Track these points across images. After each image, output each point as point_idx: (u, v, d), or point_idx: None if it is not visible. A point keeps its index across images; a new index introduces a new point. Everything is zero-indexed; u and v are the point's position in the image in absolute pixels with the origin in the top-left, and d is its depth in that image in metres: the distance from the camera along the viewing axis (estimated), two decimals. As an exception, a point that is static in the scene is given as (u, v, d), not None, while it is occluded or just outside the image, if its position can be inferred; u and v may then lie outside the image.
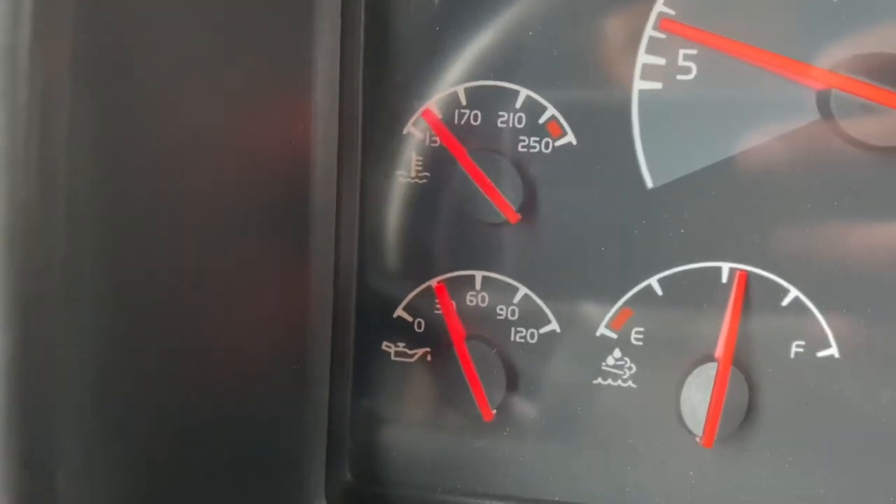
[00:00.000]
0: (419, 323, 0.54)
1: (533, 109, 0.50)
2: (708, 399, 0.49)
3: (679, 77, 0.49)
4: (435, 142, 0.52)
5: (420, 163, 0.52)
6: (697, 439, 0.50)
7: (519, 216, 0.50)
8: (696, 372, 0.50)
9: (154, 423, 0.34)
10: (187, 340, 0.37)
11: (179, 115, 0.36)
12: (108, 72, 0.29)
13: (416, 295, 0.54)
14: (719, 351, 0.50)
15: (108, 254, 0.30)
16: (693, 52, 0.48)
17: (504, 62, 0.50)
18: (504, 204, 0.50)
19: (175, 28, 0.34)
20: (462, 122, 0.51)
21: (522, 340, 0.53)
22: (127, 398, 0.32)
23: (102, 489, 0.30)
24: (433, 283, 0.53)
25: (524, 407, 0.53)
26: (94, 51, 0.29)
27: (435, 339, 0.54)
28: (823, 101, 0.46)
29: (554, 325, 0.52)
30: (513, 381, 0.53)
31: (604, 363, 0.52)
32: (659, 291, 0.51)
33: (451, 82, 0.51)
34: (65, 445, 0.28)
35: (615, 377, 0.52)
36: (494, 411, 0.53)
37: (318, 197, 0.49)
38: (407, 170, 0.52)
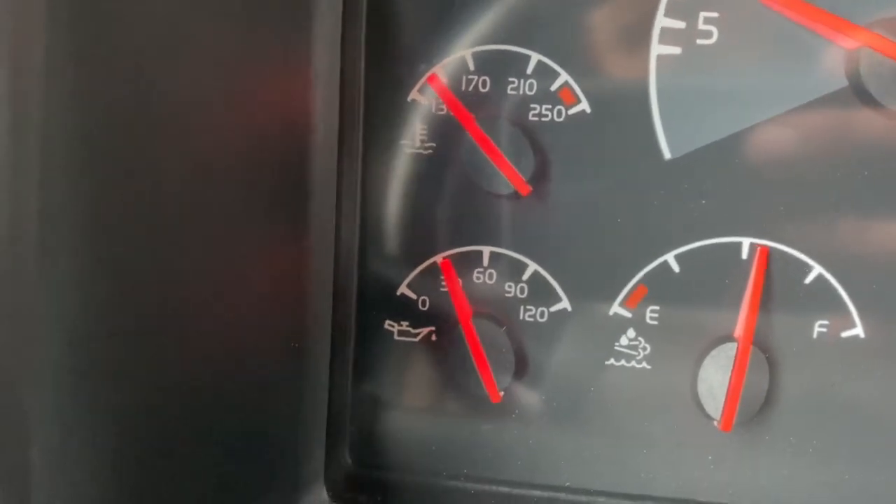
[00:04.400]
0: (423, 301, 0.51)
1: (545, 75, 0.48)
2: (727, 381, 0.47)
3: (699, 41, 0.46)
4: (441, 109, 0.49)
5: (425, 132, 0.50)
6: (715, 423, 0.48)
7: (530, 188, 0.48)
8: (714, 352, 0.48)
9: (142, 399, 0.32)
10: (176, 314, 0.34)
11: (171, 76, 0.33)
12: (90, 15, 0.27)
13: (421, 272, 0.51)
14: (739, 330, 0.48)
15: (88, 212, 0.27)
16: (714, 14, 0.46)
17: (514, 25, 0.48)
18: (514, 174, 0.48)
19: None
20: (470, 89, 0.49)
21: (532, 319, 0.50)
22: (112, 372, 0.30)
23: (81, 468, 0.28)
24: (438, 259, 0.51)
25: (533, 388, 0.51)
26: (81, 9, 0.26)
27: (440, 317, 0.51)
28: (853, 64, 0.44)
29: (565, 304, 0.50)
30: (522, 362, 0.51)
31: (617, 343, 0.50)
32: (676, 268, 0.48)
33: (458, 46, 0.49)
34: (40, 419, 0.25)
35: (629, 358, 0.50)
36: (502, 393, 0.50)
37: (318, 167, 0.47)
38: (411, 139, 0.50)
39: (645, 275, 0.49)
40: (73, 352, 0.27)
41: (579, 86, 0.48)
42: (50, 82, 0.24)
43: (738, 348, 0.47)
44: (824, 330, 0.48)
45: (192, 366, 0.36)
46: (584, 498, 0.50)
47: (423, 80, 0.49)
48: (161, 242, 0.32)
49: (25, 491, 0.25)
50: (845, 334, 0.47)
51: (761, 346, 0.48)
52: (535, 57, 0.48)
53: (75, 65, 0.26)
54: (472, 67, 0.49)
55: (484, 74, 0.49)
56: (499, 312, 0.51)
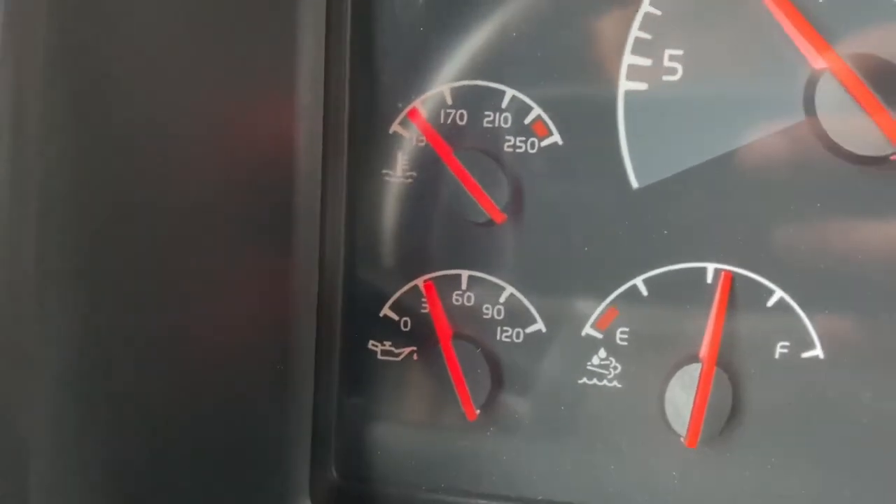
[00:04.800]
0: (405, 322, 0.54)
1: (519, 109, 0.50)
2: (692, 399, 0.49)
3: (665, 77, 0.49)
4: (421, 141, 0.52)
5: (406, 162, 0.52)
6: (682, 439, 0.50)
7: (504, 216, 0.51)
8: (680, 372, 0.50)
9: (131, 419, 0.34)
10: (165, 338, 0.37)
11: (158, 110, 0.35)
12: (83, 66, 0.29)
13: (403, 294, 0.54)
14: (704, 351, 0.50)
15: (82, 252, 0.30)
16: (679, 52, 0.48)
17: (490, 62, 0.50)
18: (489, 204, 0.50)
19: (155, 23, 0.34)
20: (448, 122, 0.51)
21: (508, 340, 0.53)
22: (104, 400, 0.32)
23: (77, 491, 0.30)
24: (420, 281, 0.53)
25: (510, 406, 0.53)
26: (69, 44, 0.28)
27: (421, 338, 0.54)
28: (810, 91, 0.46)
29: (540, 325, 0.52)
30: (498, 381, 0.53)
31: (589, 363, 0.52)
32: (644, 291, 0.51)
33: (437, 82, 0.51)
34: (37, 445, 0.28)
35: (600, 377, 0.52)
36: (478, 411, 0.53)
37: (302, 195, 0.49)
38: (393, 169, 0.52)
39: (615, 298, 0.51)
40: (69, 375, 0.29)
41: (551, 119, 0.50)
42: (46, 134, 0.26)
43: (702, 368, 0.49)
44: (785, 351, 0.50)
45: (179, 385, 0.38)
46: (557, 510, 0.53)
47: (404, 113, 0.52)
48: (149, 269, 0.35)
49: (24, 500, 0.27)
50: (805, 355, 0.49)
51: (725, 366, 0.50)
52: (510, 92, 0.50)
53: (71, 115, 0.28)
54: (450, 102, 0.51)
55: (461, 108, 0.51)
56: (477, 333, 0.53)
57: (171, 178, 0.37)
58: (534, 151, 0.51)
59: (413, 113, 0.52)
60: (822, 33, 0.46)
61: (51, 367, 0.28)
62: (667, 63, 0.49)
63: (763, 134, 0.48)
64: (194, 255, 0.39)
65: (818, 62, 0.46)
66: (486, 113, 0.51)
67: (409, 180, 0.52)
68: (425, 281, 0.53)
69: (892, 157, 0.46)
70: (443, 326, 0.52)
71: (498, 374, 0.53)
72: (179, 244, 0.38)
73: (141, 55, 0.34)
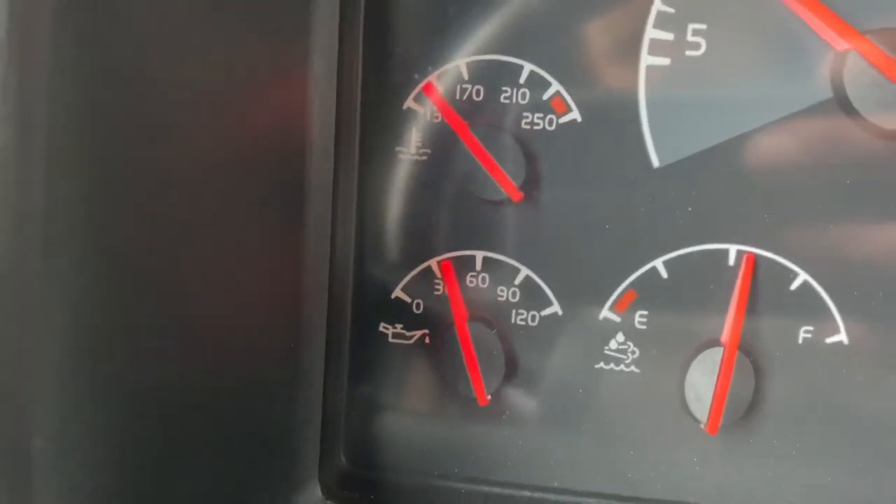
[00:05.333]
0: (418, 304, 0.53)
1: (537, 85, 0.49)
2: (713, 385, 0.48)
3: (688, 53, 0.47)
4: (436, 117, 0.50)
5: (420, 139, 0.51)
6: (702, 426, 0.49)
7: (521, 194, 0.49)
8: (701, 357, 0.49)
9: (139, 396, 0.33)
10: (175, 311, 0.35)
11: (170, 77, 0.34)
12: (92, 21, 0.28)
13: (415, 275, 0.52)
14: (725, 335, 0.49)
15: (90, 212, 0.29)
16: (703, 27, 0.47)
17: (508, 36, 0.49)
18: (506, 181, 0.49)
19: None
20: (464, 98, 0.50)
21: (523, 323, 0.52)
22: (110, 368, 0.31)
23: (80, 460, 0.29)
24: (433, 262, 0.52)
25: (524, 391, 0.52)
26: (78, 6, 0.27)
27: (434, 320, 0.52)
28: (838, 71, 0.45)
29: (556, 308, 0.51)
30: (512, 365, 0.52)
31: (606, 347, 0.51)
32: (664, 274, 0.49)
33: (453, 56, 0.50)
34: (41, 411, 0.26)
35: (618, 361, 0.51)
36: (490, 396, 0.51)
37: (315, 172, 0.48)
38: (407, 146, 0.51)
39: (634, 280, 0.50)
40: (75, 345, 0.28)
41: (570, 95, 0.49)
42: (53, 88, 0.25)
43: (724, 353, 0.48)
44: (809, 336, 0.49)
45: (189, 362, 0.37)
46: (572, 499, 0.51)
47: (419, 88, 0.50)
48: (161, 243, 0.33)
49: (26, 480, 0.26)
50: (829, 340, 0.48)
51: (747, 351, 0.49)
52: (528, 67, 0.49)
53: (79, 70, 0.27)
54: (466, 77, 0.50)
55: (478, 84, 0.50)
56: (491, 316, 0.52)
57: (188, 156, 0.36)
58: (552, 128, 0.49)
59: (428, 88, 0.50)
60: (842, 15, 0.44)
61: (53, 332, 0.27)
62: (690, 38, 0.47)
63: (789, 111, 0.47)
64: (206, 233, 0.37)
65: (841, 44, 0.44)
66: (504, 88, 0.49)
67: (423, 157, 0.51)
68: (442, 261, 0.51)
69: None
70: (459, 308, 0.51)
71: (512, 357, 0.52)
72: (188, 216, 0.36)
73: (159, 32, 0.33)
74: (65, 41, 0.26)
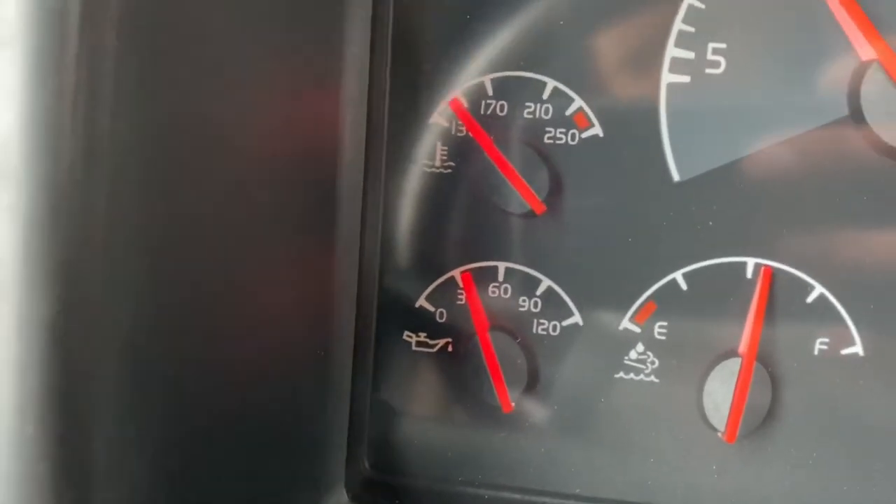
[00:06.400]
0: (441, 313, 0.54)
1: (560, 101, 0.50)
2: (731, 394, 0.49)
3: (708, 71, 0.49)
4: (461, 131, 0.52)
5: (445, 152, 0.52)
6: (720, 435, 0.50)
7: (544, 207, 0.50)
8: (719, 367, 0.50)
9: (186, 399, 0.34)
10: (217, 319, 0.37)
11: (215, 96, 0.36)
12: (150, 47, 0.29)
13: (439, 285, 0.54)
14: (743, 346, 0.50)
15: (146, 223, 0.30)
16: (723, 45, 0.48)
17: (532, 53, 0.50)
18: (530, 194, 0.50)
19: (213, 11, 0.34)
20: (488, 113, 0.51)
21: (545, 333, 0.53)
22: (161, 372, 0.32)
23: (136, 462, 0.30)
24: (456, 273, 0.53)
25: (545, 399, 0.53)
26: (139, 25, 0.29)
27: (456, 329, 0.54)
28: (856, 84, 0.46)
29: (577, 318, 0.52)
30: (534, 373, 0.53)
31: (626, 357, 0.52)
32: (683, 286, 0.51)
33: (477, 72, 0.51)
34: (102, 414, 0.28)
35: (637, 371, 0.52)
36: (514, 403, 0.52)
37: (345, 184, 0.49)
38: (432, 159, 0.52)
39: (654, 292, 0.51)
40: (132, 350, 0.29)
41: (593, 111, 0.50)
42: (116, 108, 0.26)
43: (741, 363, 0.49)
44: (825, 347, 0.50)
45: (227, 368, 0.38)
46: (592, 505, 0.52)
47: (445, 104, 0.52)
48: (207, 251, 0.35)
49: (87, 480, 0.27)
50: (845, 352, 0.49)
51: (764, 362, 0.50)
52: (552, 83, 0.50)
53: (140, 86, 0.28)
54: (490, 92, 0.51)
55: (502, 99, 0.51)
56: (513, 325, 0.53)
57: (230, 168, 0.37)
58: (574, 143, 0.51)
59: (454, 103, 0.51)
60: (874, 22, 0.45)
61: (113, 336, 0.28)
62: (710, 56, 0.49)
63: (806, 129, 0.48)
64: (244, 237, 0.39)
65: (867, 52, 0.45)
66: (527, 104, 0.51)
67: (448, 171, 0.52)
68: (463, 272, 0.53)
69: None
70: (480, 318, 0.52)
71: (534, 366, 0.53)
72: (230, 226, 0.37)
73: (208, 52, 0.34)
74: (128, 62, 0.27)
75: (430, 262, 0.53)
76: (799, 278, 0.49)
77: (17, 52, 0.23)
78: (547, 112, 0.51)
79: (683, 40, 0.49)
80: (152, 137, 0.29)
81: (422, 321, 0.54)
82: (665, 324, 0.51)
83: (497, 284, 0.53)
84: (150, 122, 0.29)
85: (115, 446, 0.29)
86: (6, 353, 0.25)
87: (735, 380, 0.49)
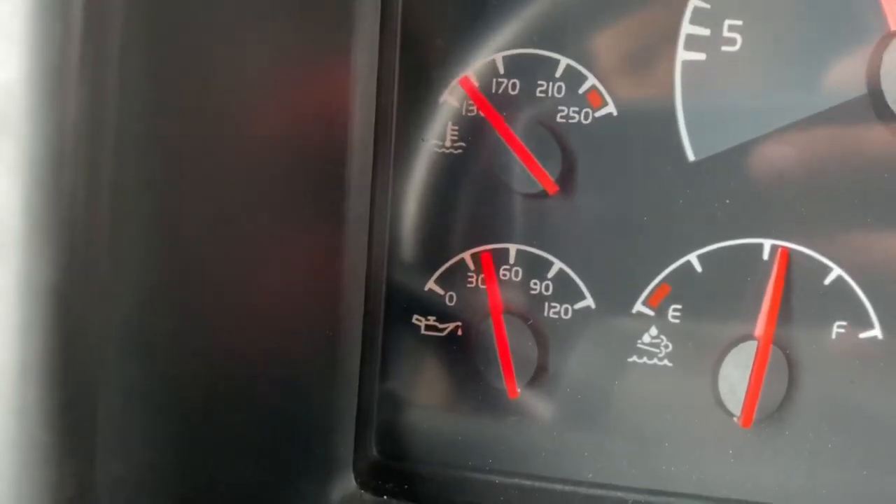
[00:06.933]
0: (451, 296, 0.53)
1: (573, 79, 0.49)
2: (747, 378, 0.48)
3: (724, 48, 0.48)
4: (471, 111, 0.51)
5: (456, 132, 0.51)
6: (735, 419, 0.49)
7: (557, 187, 0.49)
8: (734, 350, 0.49)
9: (193, 375, 0.33)
10: (224, 300, 0.36)
11: (223, 67, 0.35)
12: (160, 25, 0.28)
13: (448, 268, 0.53)
14: (759, 330, 0.49)
15: (153, 186, 0.29)
16: (739, 22, 0.47)
17: (544, 30, 0.49)
18: (542, 174, 0.49)
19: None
20: (500, 91, 0.50)
21: (556, 316, 0.52)
22: (166, 344, 0.31)
23: (141, 434, 0.29)
24: (466, 255, 0.52)
25: (557, 384, 0.52)
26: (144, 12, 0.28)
27: (466, 312, 0.53)
28: (876, 60, 0.45)
29: (589, 301, 0.51)
30: (545, 357, 0.52)
31: (639, 341, 0.51)
32: (698, 268, 0.50)
33: (488, 50, 0.50)
34: (106, 381, 0.27)
35: (651, 355, 0.51)
36: (521, 389, 0.51)
37: (355, 165, 0.48)
38: (442, 139, 0.51)
39: (668, 274, 0.50)
40: (138, 327, 0.29)
41: (606, 89, 0.49)
42: (123, 69, 0.26)
43: (758, 347, 0.48)
44: (843, 331, 0.49)
45: (236, 345, 0.37)
46: (605, 492, 0.51)
47: (455, 82, 0.51)
48: (214, 234, 0.34)
49: (90, 450, 0.26)
50: (863, 335, 0.48)
51: (781, 346, 0.49)
52: (564, 61, 0.49)
53: (147, 69, 0.27)
54: (501, 71, 0.50)
55: (514, 77, 0.50)
56: (524, 309, 0.52)
57: (242, 149, 0.36)
58: (588, 122, 0.50)
59: (464, 81, 0.51)
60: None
61: (117, 303, 0.27)
62: (726, 33, 0.48)
63: (824, 108, 0.47)
64: (257, 223, 0.38)
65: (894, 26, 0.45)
66: (540, 82, 0.50)
67: (458, 150, 0.51)
68: (480, 253, 0.52)
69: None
70: (496, 300, 0.51)
71: (545, 350, 0.52)
72: (245, 211, 0.37)
73: (218, 32, 0.33)
74: (134, 45, 0.26)
75: (439, 244, 0.53)
76: (816, 260, 0.48)
77: (22, -2, 0.23)
78: (560, 90, 0.50)
79: (699, 17, 0.48)
80: (161, 95, 0.28)
81: (431, 305, 0.53)
82: (679, 307, 0.50)
83: (508, 267, 0.52)
84: (158, 78, 0.28)
85: (120, 417, 0.28)
86: (8, 315, 0.24)
87: (751, 364, 0.48)
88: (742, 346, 0.49)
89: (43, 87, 0.23)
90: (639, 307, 0.51)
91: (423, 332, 0.53)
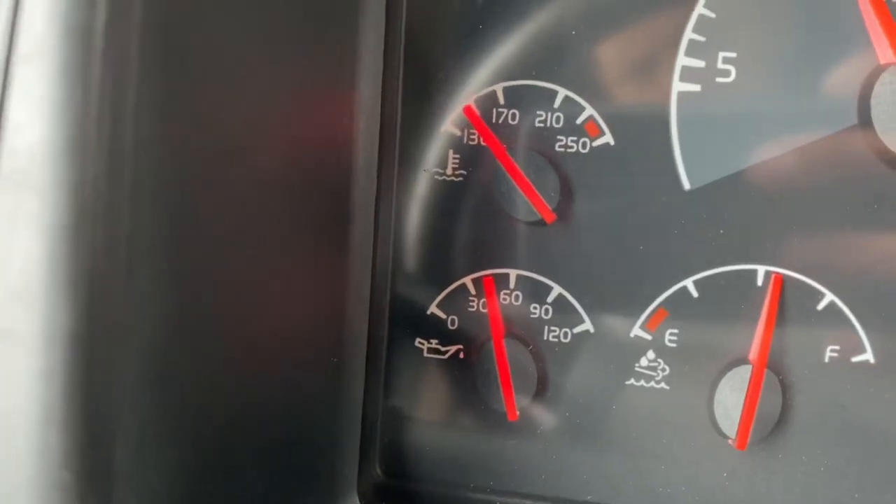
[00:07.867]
0: (452, 320, 0.54)
1: (571, 109, 0.51)
2: (742, 401, 0.49)
3: (718, 80, 0.49)
4: (473, 140, 0.52)
5: (457, 160, 0.53)
6: (730, 442, 0.50)
7: (555, 215, 0.51)
8: (730, 374, 0.50)
9: (204, 405, 0.34)
10: (236, 324, 0.37)
11: (233, 106, 0.36)
12: (171, 59, 0.30)
13: (451, 292, 0.54)
14: (753, 354, 0.50)
15: (166, 233, 0.30)
16: (732, 55, 0.49)
17: (543, 62, 0.51)
18: (540, 203, 0.50)
19: (231, 23, 0.35)
20: (500, 121, 0.52)
21: (555, 339, 0.53)
22: (180, 379, 0.33)
23: (156, 468, 0.30)
24: (468, 280, 0.53)
25: (556, 406, 0.53)
26: (161, 38, 0.29)
27: (468, 336, 0.54)
28: (867, 90, 0.46)
29: (587, 325, 0.52)
30: (544, 380, 0.53)
31: (637, 364, 0.52)
32: (694, 293, 0.51)
33: (489, 81, 0.51)
34: (123, 421, 0.28)
35: (648, 378, 0.52)
36: (521, 411, 0.53)
37: (359, 192, 0.49)
38: (444, 167, 0.53)
39: (665, 299, 0.51)
40: (153, 360, 0.30)
41: (603, 119, 0.50)
42: (139, 123, 0.27)
43: (752, 370, 0.49)
44: (835, 354, 0.50)
45: (244, 373, 0.38)
46: (603, 512, 0.53)
47: (457, 112, 0.52)
48: (225, 263, 0.35)
49: (109, 486, 0.27)
50: (855, 359, 0.49)
51: (775, 369, 0.50)
52: (563, 92, 0.51)
53: (162, 107, 0.29)
54: (502, 101, 0.51)
55: (513, 108, 0.51)
56: (524, 333, 0.53)
57: (247, 178, 0.38)
58: (585, 151, 0.51)
59: (466, 111, 0.52)
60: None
61: (135, 346, 0.29)
62: (720, 65, 0.49)
63: (816, 137, 0.48)
64: (260, 245, 0.39)
65: (887, 55, 0.46)
66: (539, 112, 0.51)
67: (460, 178, 0.53)
68: (482, 277, 0.53)
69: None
70: (497, 324, 0.53)
71: (544, 373, 0.53)
72: (247, 233, 0.38)
73: (216, 52, 0.34)
74: (148, 103, 0.27)
75: (441, 269, 0.54)
76: (809, 286, 0.49)
77: (44, 65, 0.24)
78: (558, 120, 0.51)
79: (694, 49, 0.49)
80: (173, 148, 0.30)
81: (433, 328, 0.54)
82: (676, 331, 0.51)
83: (508, 291, 0.53)
84: (170, 132, 0.30)
85: (136, 453, 0.29)
86: (30, 363, 0.25)
87: (746, 387, 0.49)
88: (737, 369, 0.50)
89: (64, 147, 0.25)
90: (636, 331, 0.52)
91: (425, 354, 0.55)
